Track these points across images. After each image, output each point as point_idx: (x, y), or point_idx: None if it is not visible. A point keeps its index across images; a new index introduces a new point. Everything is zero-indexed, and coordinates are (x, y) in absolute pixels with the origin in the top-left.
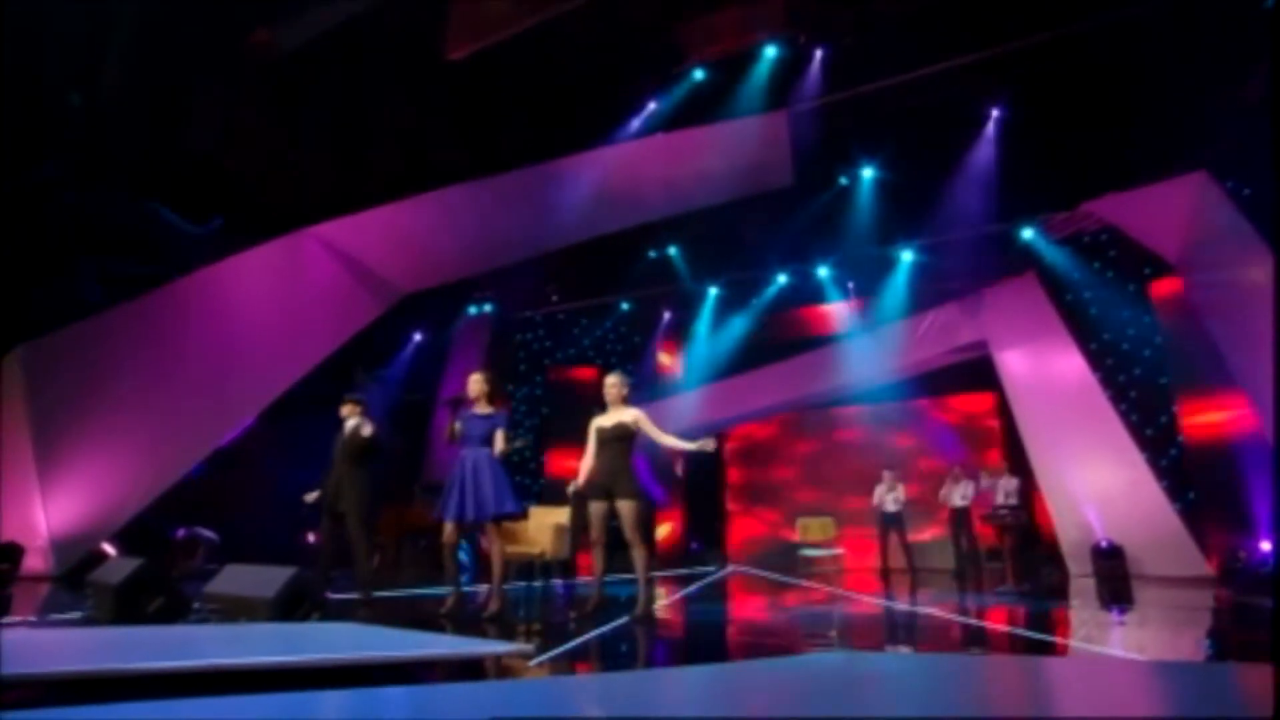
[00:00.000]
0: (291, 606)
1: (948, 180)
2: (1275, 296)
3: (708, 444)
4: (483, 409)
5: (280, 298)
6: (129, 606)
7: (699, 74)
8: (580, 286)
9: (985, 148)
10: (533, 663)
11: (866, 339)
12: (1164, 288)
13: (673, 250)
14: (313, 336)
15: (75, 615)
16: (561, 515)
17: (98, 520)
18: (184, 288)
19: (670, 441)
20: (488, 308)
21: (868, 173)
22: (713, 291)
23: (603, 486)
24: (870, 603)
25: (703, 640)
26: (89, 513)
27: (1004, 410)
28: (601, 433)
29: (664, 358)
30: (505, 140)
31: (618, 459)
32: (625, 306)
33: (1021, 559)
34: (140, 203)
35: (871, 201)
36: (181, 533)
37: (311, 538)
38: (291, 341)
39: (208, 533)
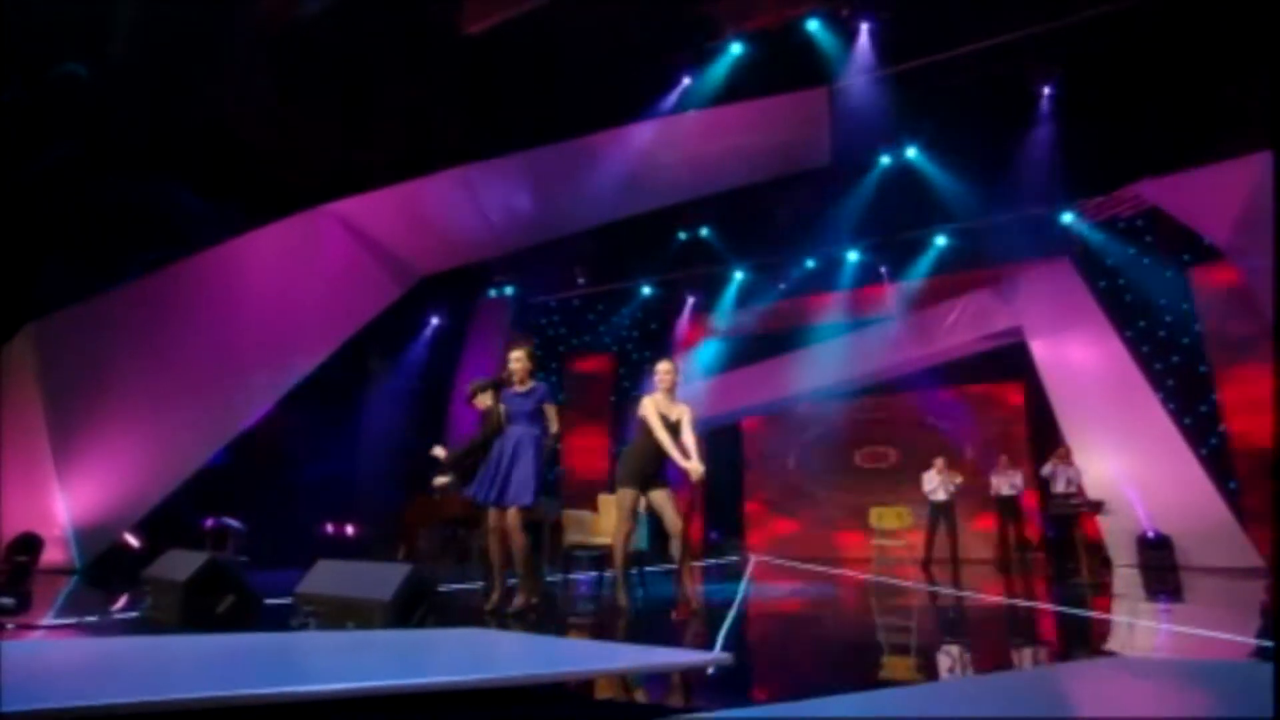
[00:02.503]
0: (409, 609)
1: (991, 161)
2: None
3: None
4: (525, 386)
5: (298, 276)
6: (198, 607)
7: (736, 48)
8: (600, 270)
9: (1033, 127)
10: (708, 671)
11: (897, 325)
12: (1206, 274)
13: (705, 231)
14: (332, 318)
15: (130, 616)
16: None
17: (119, 509)
18: (200, 264)
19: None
20: (508, 291)
21: (910, 153)
22: (738, 275)
23: (648, 474)
24: (986, 599)
25: (888, 645)
26: (110, 501)
27: (1032, 399)
28: (664, 422)
29: (686, 343)
30: (529, 117)
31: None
32: (646, 291)
33: (1076, 550)
34: (151, 180)
35: (910, 182)
36: (210, 523)
37: (331, 528)
38: (311, 322)
39: (235, 523)
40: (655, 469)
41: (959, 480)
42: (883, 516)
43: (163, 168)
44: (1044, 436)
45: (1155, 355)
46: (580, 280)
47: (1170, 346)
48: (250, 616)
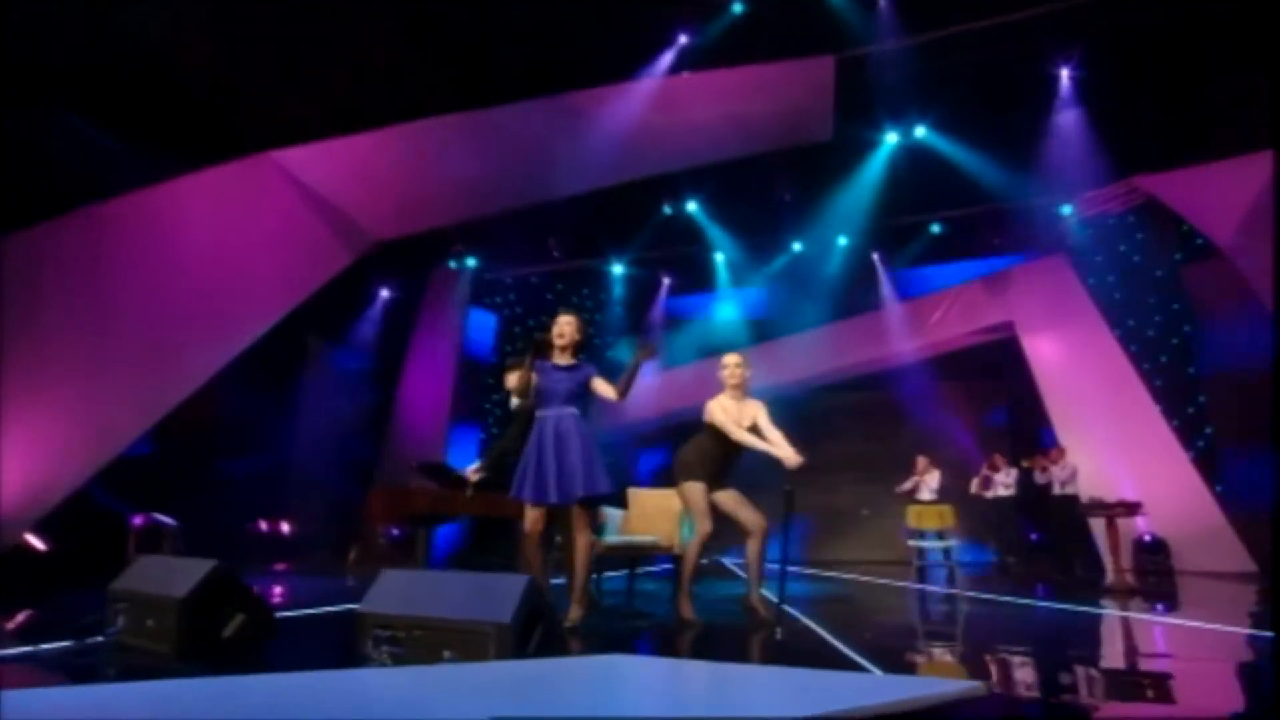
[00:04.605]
0: (528, 633)
1: (997, 148)
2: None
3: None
4: (567, 360)
5: (233, 234)
6: (200, 630)
7: (738, 7)
8: (571, 244)
9: (1044, 116)
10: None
11: (883, 316)
12: (1199, 273)
13: (692, 206)
14: (272, 285)
15: (93, 641)
16: (675, 499)
17: (17, 504)
18: (115, 212)
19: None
20: (470, 262)
21: (920, 131)
22: (720, 257)
23: (714, 474)
24: (1090, 611)
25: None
26: (4, 494)
27: (1015, 398)
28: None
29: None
30: (507, 69)
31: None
32: (618, 270)
33: (1076, 552)
34: (61, 115)
35: (911, 165)
36: (139, 520)
37: (264, 525)
38: (248, 289)
39: (169, 520)
40: (723, 469)
41: (935, 476)
42: (922, 516)
43: (74, 100)
44: (1026, 435)
45: (1144, 355)
46: (555, 254)
47: (1159, 346)
48: (264, 640)
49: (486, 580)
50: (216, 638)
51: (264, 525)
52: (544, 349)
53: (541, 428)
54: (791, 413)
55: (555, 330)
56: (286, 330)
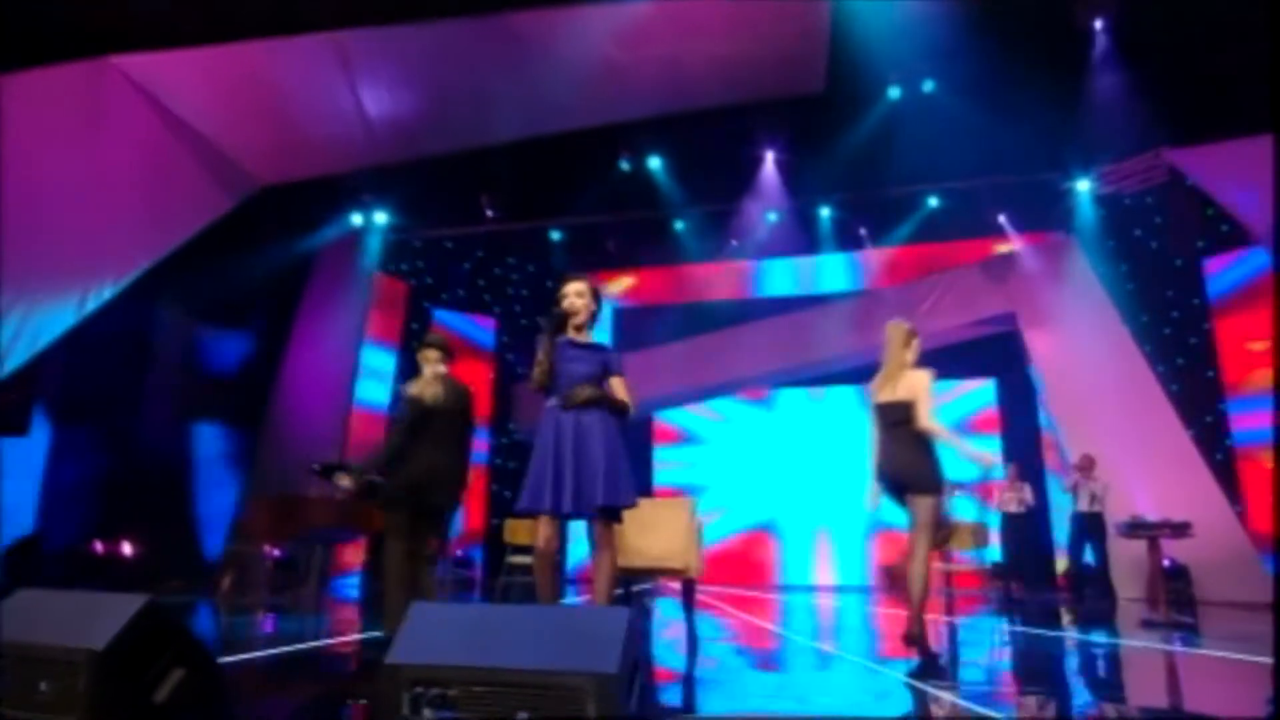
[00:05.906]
0: (631, 685)
1: (1012, 108)
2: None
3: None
4: (585, 338)
5: (66, 164)
6: (124, 693)
7: None
8: (501, 201)
9: (1073, 75)
10: None
11: (866, 301)
12: (1223, 265)
13: (655, 163)
14: (118, 235)
15: None
16: (682, 511)
17: None
18: None
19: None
20: (380, 218)
21: (928, 86)
22: (681, 225)
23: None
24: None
25: None
26: None
27: (1009, 400)
28: (883, 413)
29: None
30: None
31: (908, 445)
32: (557, 237)
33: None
34: None
35: (910, 127)
36: None
37: (100, 546)
38: (84, 240)
39: None
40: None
41: (1025, 492)
42: (957, 530)
43: None
44: (1021, 443)
45: (1158, 356)
46: (489, 213)
47: (1176, 346)
48: (212, 706)
49: (568, 615)
50: (148, 703)
51: (99, 546)
52: (563, 327)
53: (559, 422)
54: (757, 415)
55: (565, 304)
56: (136, 294)
